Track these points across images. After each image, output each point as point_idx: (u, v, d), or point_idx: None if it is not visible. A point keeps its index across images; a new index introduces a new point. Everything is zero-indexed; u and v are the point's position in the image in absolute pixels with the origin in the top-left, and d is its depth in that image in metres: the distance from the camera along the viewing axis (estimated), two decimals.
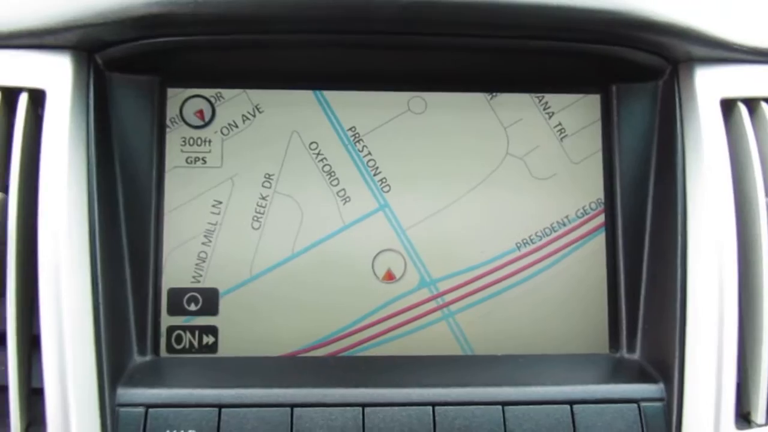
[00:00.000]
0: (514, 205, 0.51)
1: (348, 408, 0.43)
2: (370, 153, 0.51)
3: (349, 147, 0.51)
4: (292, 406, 0.43)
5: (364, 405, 0.44)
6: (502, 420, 0.44)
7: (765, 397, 0.44)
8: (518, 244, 0.51)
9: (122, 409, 0.43)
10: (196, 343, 0.49)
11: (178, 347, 0.49)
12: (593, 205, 0.51)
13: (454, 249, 0.50)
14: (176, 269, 0.49)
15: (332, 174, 0.51)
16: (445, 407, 0.44)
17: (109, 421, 0.42)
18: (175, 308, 0.49)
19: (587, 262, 0.51)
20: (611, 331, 0.50)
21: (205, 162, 0.51)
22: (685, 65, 0.49)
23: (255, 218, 0.50)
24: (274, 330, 0.49)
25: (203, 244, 0.50)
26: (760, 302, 0.45)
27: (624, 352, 0.50)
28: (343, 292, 0.50)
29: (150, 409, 0.43)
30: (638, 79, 0.51)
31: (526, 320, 0.50)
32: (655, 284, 0.49)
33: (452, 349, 0.50)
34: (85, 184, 0.45)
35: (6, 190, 0.44)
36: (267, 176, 0.51)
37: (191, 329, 0.49)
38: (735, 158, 0.47)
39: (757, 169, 0.46)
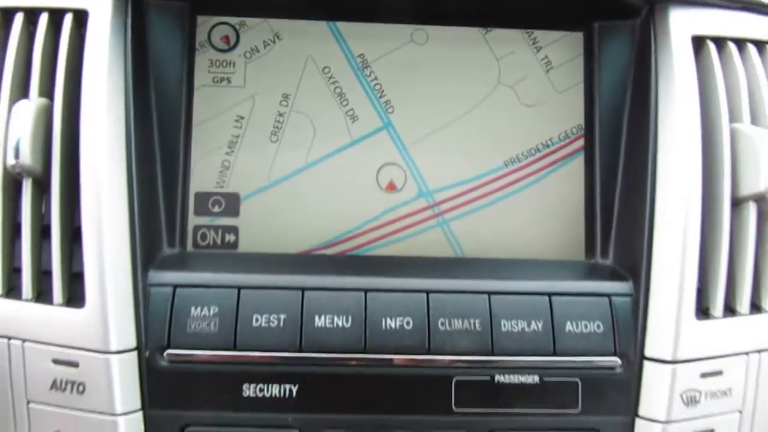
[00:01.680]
0: (504, 128, 0.57)
1: (352, 292, 0.50)
2: (376, 78, 0.57)
3: (358, 72, 0.57)
4: (303, 289, 0.50)
5: (366, 290, 0.50)
6: (488, 306, 0.50)
7: (722, 294, 0.51)
8: (506, 162, 0.57)
9: (153, 289, 0.49)
10: (219, 241, 0.56)
11: (203, 244, 0.55)
12: (574, 130, 0.58)
13: (450, 164, 0.57)
14: (202, 175, 0.56)
15: (342, 95, 0.57)
16: (438, 294, 0.50)
17: (141, 299, 0.48)
18: (201, 209, 0.56)
19: (567, 179, 0.57)
20: (587, 241, 0.57)
21: (229, 82, 0.57)
22: (660, 6, 0.55)
23: (273, 132, 0.56)
24: (288, 231, 0.56)
25: (226, 154, 0.56)
26: (720, 213, 0.51)
27: (598, 258, 0.56)
28: (350, 199, 0.56)
29: (177, 289, 0.49)
30: (618, 17, 0.57)
31: (512, 229, 0.57)
32: (628, 199, 0.55)
33: (445, 252, 0.56)
34: (123, 97, 0.51)
35: (51, 99, 0.50)
36: (284, 96, 0.57)
37: (215, 228, 0.56)
38: (703, 90, 0.53)
39: (723, 98, 0.52)
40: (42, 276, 0.50)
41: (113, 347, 0.47)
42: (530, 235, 0.57)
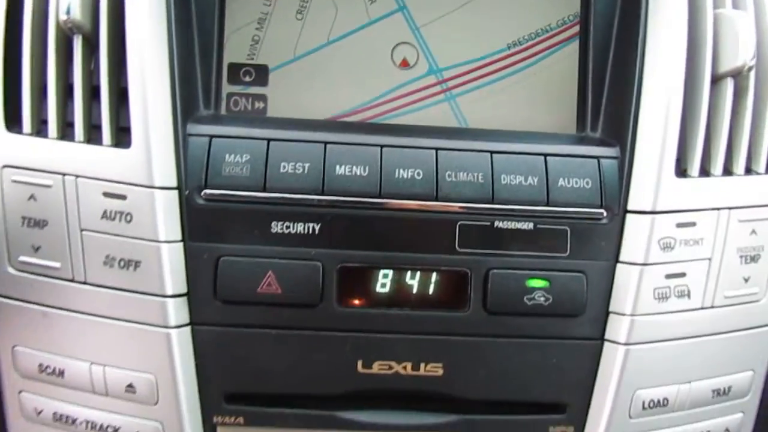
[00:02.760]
0: (507, 13, 0.63)
1: (370, 147, 0.56)
2: None
3: None
4: (326, 143, 0.56)
5: (382, 146, 0.56)
6: (490, 163, 0.56)
7: (699, 158, 0.57)
8: (509, 45, 0.63)
9: (191, 138, 0.55)
10: (249, 107, 0.62)
11: (235, 109, 0.61)
12: (571, 17, 0.63)
13: (458, 44, 0.62)
14: (235, 48, 0.61)
15: None
16: (446, 151, 0.56)
17: (181, 146, 0.54)
18: (233, 79, 0.61)
19: (563, 62, 0.63)
20: (579, 116, 0.63)
21: None
22: None
23: (298, 11, 0.62)
24: (311, 100, 0.62)
25: (256, 29, 0.61)
26: (700, 88, 0.57)
27: (589, 131, 0.62)
28: (367, 74, 0.62)
29: (213, 139, 0.55)
30: None
31: (512, 105, 0.63)
32: (617, 78, 0.61)
33: (452, 123, 0.62)
34: None
35: None
36: None
37: (246, 96, 0.61)
38: None
39: None
40: (92, 129, 0.55)
41: (157, 183, 0.53)
42: (528, 111, 0.63)
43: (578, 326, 0.56)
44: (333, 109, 0.62)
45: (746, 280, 0.58)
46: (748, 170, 0.59)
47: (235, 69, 0.61)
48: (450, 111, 0.62)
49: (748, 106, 0.58)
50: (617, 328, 0.56)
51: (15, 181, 0.54)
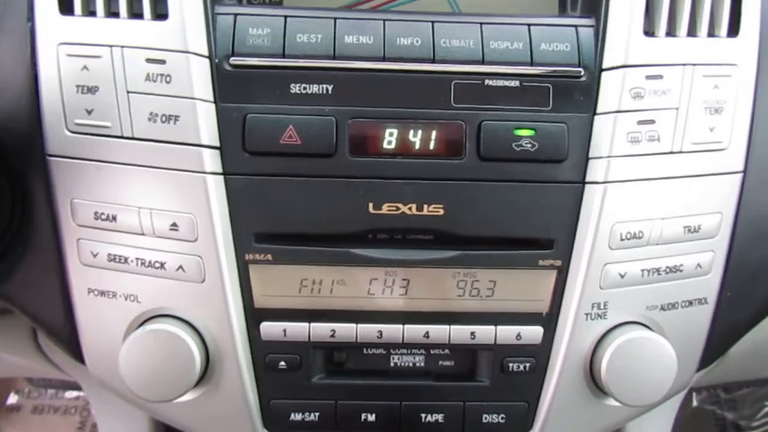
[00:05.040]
0: None
1: (373, 21, 0.63)
2: None
3: None
4: (336, 18, 0.63)
5: (385, 20, 0.63)
6: (480, 32, 0.63)
7: (665, 20, 0.64)
8: None
9: (219, 16, 0.62)
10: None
11: (255, 1, 0.69)
12: None
13: None
14: None
15: None
16: (441, 23, 0.63)
17: (210, 24, 0.62)
18: None
19: None
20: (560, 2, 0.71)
21: None
22: None
23: None
24: None
25: None
26: None
27: (569, 11, 0.69)
28: None
29: (238, 16, 0.63)
30: None
31: None
32: None
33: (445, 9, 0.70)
34: None
35: None
36: None
37: None
38: None
39: None
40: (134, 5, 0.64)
41: (191, 49, 0.61)
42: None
43: (562, 171, 0.64)
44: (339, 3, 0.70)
45: (711, 130, 0.65)
46: (711, 35, 0.66)
47: None
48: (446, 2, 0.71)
49: None
50: (596, 169, 0.63)
51: (69, 55, 0.62)
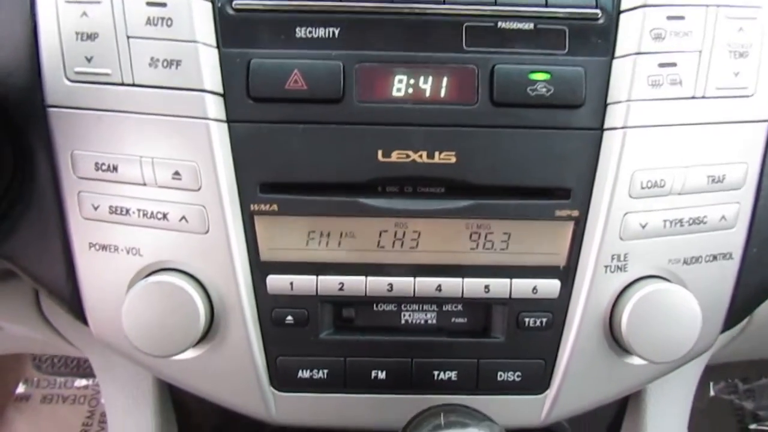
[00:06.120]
0: None
1: None
2: None
3: None
4: None
5: None
6: None
7: None
8: None
9: None
10: None
11: None
12: None
13: None
14: None
15: None
16: None
17: None
18: None
19: None
20: None
21: None
22: None
23: None
24: None
25: None
26: None
27: None
28: None
29: None
30: None
31: None
32: None
33: None
34: None
35: None
36: None
37: None
38: None
39: None
40: None
41: None
42: None
43: (579, 117, 0.61)
44: None
45: (736, 75, 0.62)
46: None
47: None
48: None
49: None
50: (615, 115, 0.61)
51: (68, 2, 0.60)
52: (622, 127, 0.60)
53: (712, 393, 1.90)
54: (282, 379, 0.66)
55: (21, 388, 1.95)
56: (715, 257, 0.65)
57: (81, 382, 1.95)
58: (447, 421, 0.50)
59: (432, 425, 0.51)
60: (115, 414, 0.77)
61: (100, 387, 0.80)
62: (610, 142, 0.61)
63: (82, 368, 1.87)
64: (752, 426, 1.84)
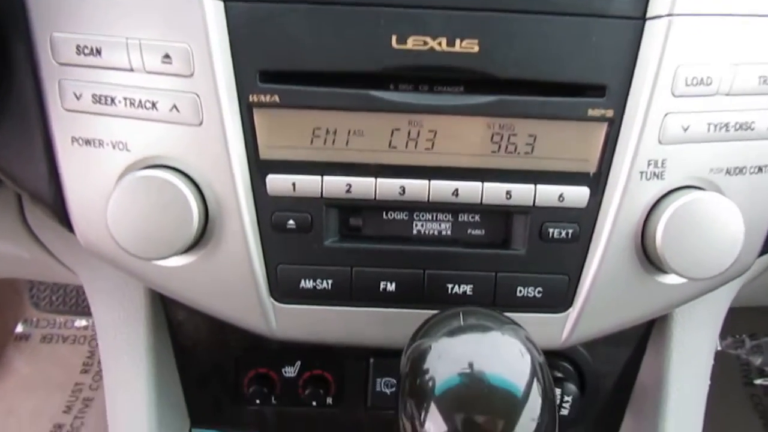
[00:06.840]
0: None
1: None
2: None
3: None
4: None
5: None
6: None
7: None
8: None
9: None
10: None
11: None
12: None
13: None
14: None
15: None
16: None
17: None
18: None
19: None
20: None
21: None
22: None
23: None
24: None
25: None
26: None
27: None
28: None
29: None
30: None
31: None
32: None
33: None
34: None
35: None
36: None
37: None
38: None
39: None
40: None
41: None
42: None
43: (618, 2, 0.54)
44: None
45: None
46: None
47: None
48: None
49: None
50: (659, 1, 0.54)
51: None
52: (668, 15, 0.53)
53: (718, 347, 1.87)
54: (283, 289, 0.61)
55: (20, 328, 1.94)
56: (760, 169, 0.59)
57: (81, 323, 1.94)
58: (467, 324, 0.45)
59: (449, 328, 0.46)
60: (106, 331, 0.73)
61: (90, 304, 0.75)
62: (652, 31, 0.54)
63: (81, 306, 1.84)
64: (757, 381, 1.82)
